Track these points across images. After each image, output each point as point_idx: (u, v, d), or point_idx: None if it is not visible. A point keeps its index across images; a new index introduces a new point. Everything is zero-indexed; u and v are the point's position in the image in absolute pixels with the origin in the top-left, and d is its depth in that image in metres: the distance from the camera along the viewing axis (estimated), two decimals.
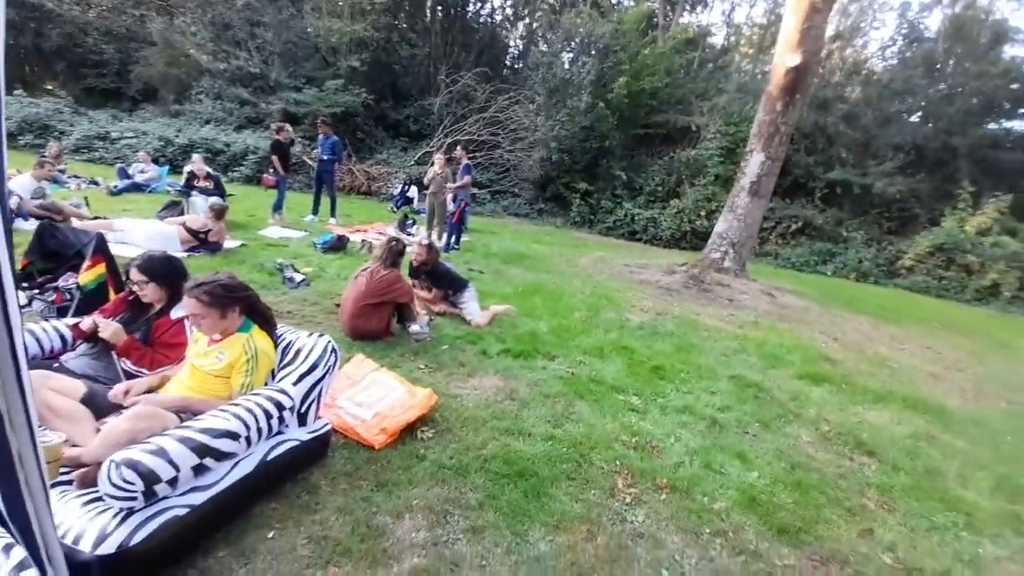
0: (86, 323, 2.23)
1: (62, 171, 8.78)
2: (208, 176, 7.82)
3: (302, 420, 2.06)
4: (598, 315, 5.07)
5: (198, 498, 1.59)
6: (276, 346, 2.15)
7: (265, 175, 8.62)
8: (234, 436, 1.71)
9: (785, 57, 7.69)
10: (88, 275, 3.05)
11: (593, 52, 15.06)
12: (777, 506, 2.29)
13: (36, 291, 3.36)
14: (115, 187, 8.82)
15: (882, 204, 14.63)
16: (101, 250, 3.16)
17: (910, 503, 2.51)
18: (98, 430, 1.73)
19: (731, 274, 8.00)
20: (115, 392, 1.93)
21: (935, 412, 3.84)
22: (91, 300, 2.92)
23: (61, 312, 3.12)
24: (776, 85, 7.86)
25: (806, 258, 13.87)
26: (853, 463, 2.84)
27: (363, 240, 6.88)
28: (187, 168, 8.08)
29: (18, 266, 3.36)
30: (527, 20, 21.20)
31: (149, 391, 2.01)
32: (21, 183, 5.81)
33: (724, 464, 2.58)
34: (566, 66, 15.90)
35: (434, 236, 7.84)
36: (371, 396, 2.58)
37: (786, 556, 1.99)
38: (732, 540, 2.04)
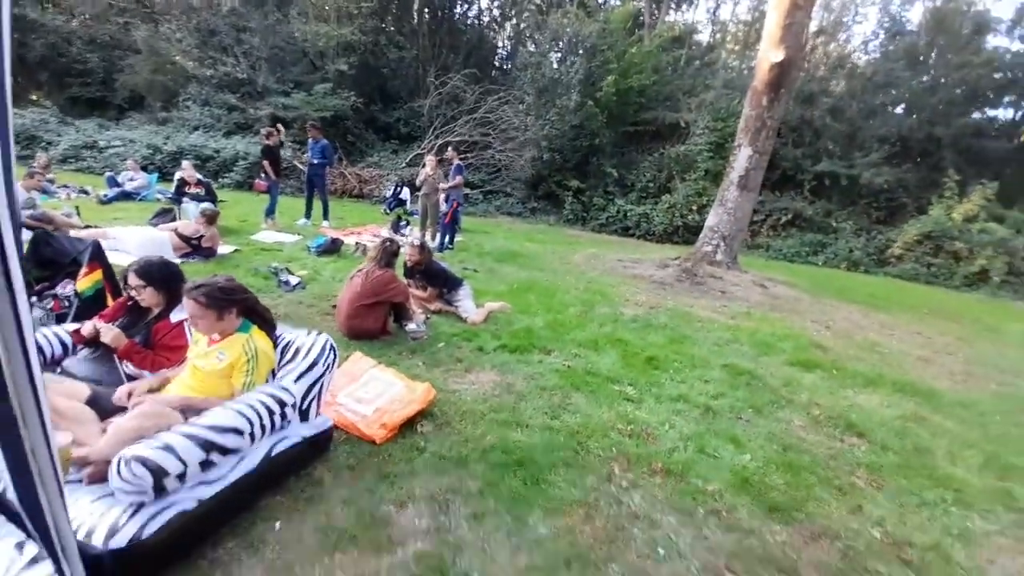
0: (87, 328, 2.25)
1: (51, 181, 8.75)
2: (199, 182, 7.82)
3: (304, 416, 2.10)
4: (592, 310, 5.12)
5: (206, 492, 1.64)
6: (276, 346, 2.19)
7: (257, 180, 8.63)
8: (238, 432, 1.75)
9: (769, 53, 7.79)
10: (85, 282, 3.07)
11: (581, 52, 15.14)
12: (769, 486, 2.35)
13: (34, 299, 3.36)
14: (105, 196, 8.79)
15: (870, 194, 14.82)
16: (97, 257, 3.17)
17: (899, 481, 2.56)
18: (103, 431, 1.77)
19: (723, 267, 8.10)
20: (119, 395, 1.98)
21: (924, 395, 3.89)
22: (89, 306, 2.94)
23: (60, 319, 3.11)
24: (761, 80, 7.96)
25: (797, 249, 14.03)
26: (843, 444, 2.91)
27: (357, 243, 6.89)
28: (177, 175, 8.08)
29: None
30: (514, 21, 21.26)
31: (151, 392, 2.05)
32: None
33: (718, 448, 2.64)
34: (554, 66, 15.95)
35: (427, 237, 7.89)
36: (371, 392, 2.62)
37: (778, 532, 2.06)
38: (726, 519, 2.10)
